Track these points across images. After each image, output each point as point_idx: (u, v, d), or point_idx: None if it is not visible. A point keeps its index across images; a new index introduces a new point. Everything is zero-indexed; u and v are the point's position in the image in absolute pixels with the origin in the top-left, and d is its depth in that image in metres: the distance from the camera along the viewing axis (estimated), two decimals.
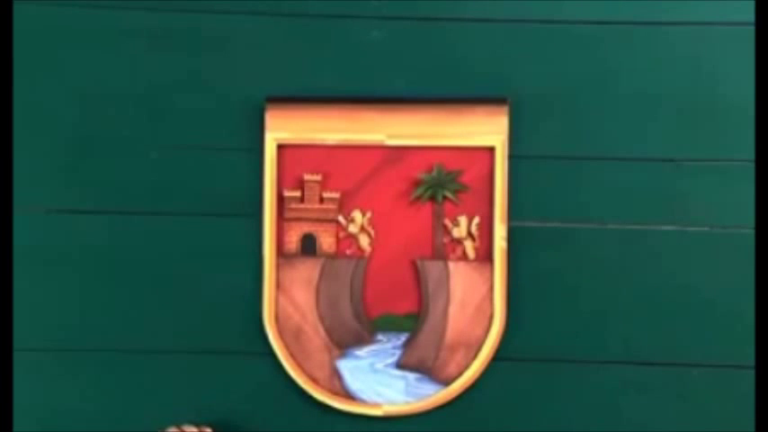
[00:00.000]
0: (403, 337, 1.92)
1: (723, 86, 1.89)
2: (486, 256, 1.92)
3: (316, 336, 1.93)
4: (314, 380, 1.92)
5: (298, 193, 1.92)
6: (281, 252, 1.92)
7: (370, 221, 1.92)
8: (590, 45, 1.90)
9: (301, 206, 1.91)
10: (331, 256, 1.93)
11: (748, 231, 1.87)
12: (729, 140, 1.90)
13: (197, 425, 1.62)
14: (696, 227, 1.91)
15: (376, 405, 1.90)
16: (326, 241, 1.93)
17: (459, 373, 1.92)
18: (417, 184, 1.92)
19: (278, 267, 1.93)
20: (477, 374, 1.92)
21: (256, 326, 1.92)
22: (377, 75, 1.91)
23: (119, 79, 1.91)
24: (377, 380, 1.91)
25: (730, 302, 1.90)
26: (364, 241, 1.93)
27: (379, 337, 1.92)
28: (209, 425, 1.83)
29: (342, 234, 1.93)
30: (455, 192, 1.91)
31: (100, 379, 1.93)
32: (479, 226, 1.92)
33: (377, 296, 1.91)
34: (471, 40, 1.87)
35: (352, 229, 1.93)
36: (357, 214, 1.92)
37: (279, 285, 1.93)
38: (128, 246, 1.93)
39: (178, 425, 1.59)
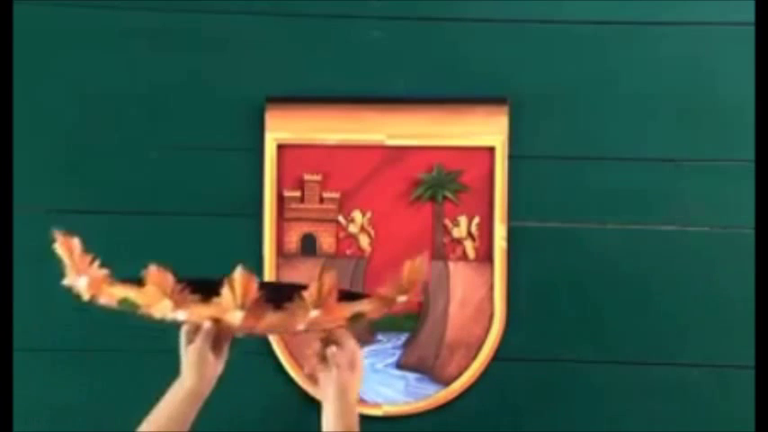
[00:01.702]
0: (403, 337, 1.92)
1: (723, 86, 1.89)
2: (486, 256, 1.92)
3: (316, 336, 1.93)
4: (314, 380, 1.92)
5: (298, 193, 1.92)
6: (281, 252, 1.92)
7: (370, 221, 1.92)
8: (590, 45, 1.90)
9: (301, 206, 1.91)
10: (331, 256, 1.93)
11: (748, 231, 1.87)
12: (729, 140, 1.90)
13: None
14: (696, 227, 1.91)
15: (376, 405, 1.90)
16: (326, 241, 1.93)
17: (459, 373, 1.92)
18: (417, 184, 1.92)
19: (278, 267, 1.92)
20: (477, 374, 1.92)
21: None
22: (377, 75, 1.91)
23: (119, 79, 1.91)
24: (377, 380, 1.91)
25: (730, 302, 1.90)
26: (364, 241, 1.93)
27: (379, 337, 1.92)
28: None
29: (342, 234, 1.93)
30: (455, 192, 1.91)
31: (100, 379, 1.93)
32: (479, 226, 1.92)
33: None
34: (471, 40, 1.87)
35: (352, 229, 1.93)
36: (357, 214, 1.92)
37: None
38: (128, 246, 1.93)
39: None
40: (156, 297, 1.53)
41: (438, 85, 1.90)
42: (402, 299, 1.53)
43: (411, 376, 1.92)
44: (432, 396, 1.92)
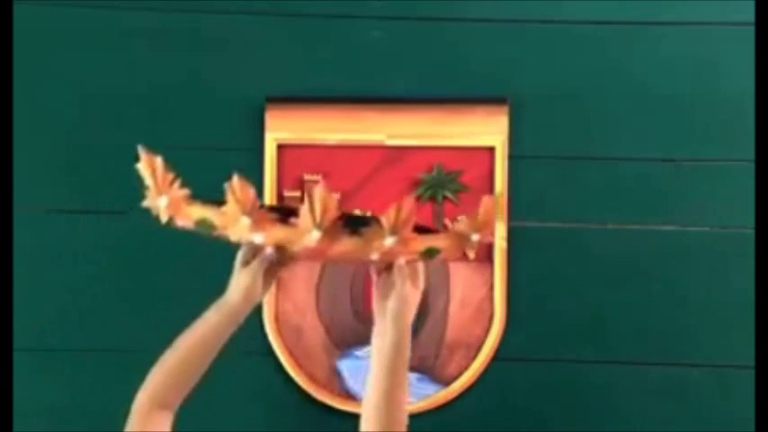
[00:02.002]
0: None
1: (723, 86, 1.89)
2: (486, 256, 1.92)
3: (316, 336, 1.93)
4: (314, 380, 1.92)
5: (298, 193, 1.92)
6: None
7: None
8: (590, 45, 1.89)
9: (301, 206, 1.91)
10: None
11: (748, 231, 1.87)
12: (729, 140, 1.90)
13: None
14: (696, 227, 1.91)
15: None
16: None
17: (460, 373, 1.92)
18: (417, 184, 1.92)
19: None
20: (477, 374, 1.92)
21: (256, 326, 1.92)
22: (377, 75, 1.91)
23: (119, 79, 1.91)
24: None
25: (730, 302, 1.90)
26: None
27: None
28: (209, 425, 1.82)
29: None
30: (455, 192, 1.91)
31: (100, 379, 1.93)
32: None
33: None
34: (471, 40, 1.86)
35: None
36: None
37: (279, 285, 1.92)
38: (128, 246, 1.93)
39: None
40: (235, 216, 1.53)
41: (438, 85, 1.90)
42: (476, 237, 1.51)
43: (411, 376, 1.92)
44: (432, 396, 1.92)
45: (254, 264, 1.54)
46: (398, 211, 1.46)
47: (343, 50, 1.89)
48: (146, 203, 1.56)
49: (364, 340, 1.90)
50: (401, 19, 1.88)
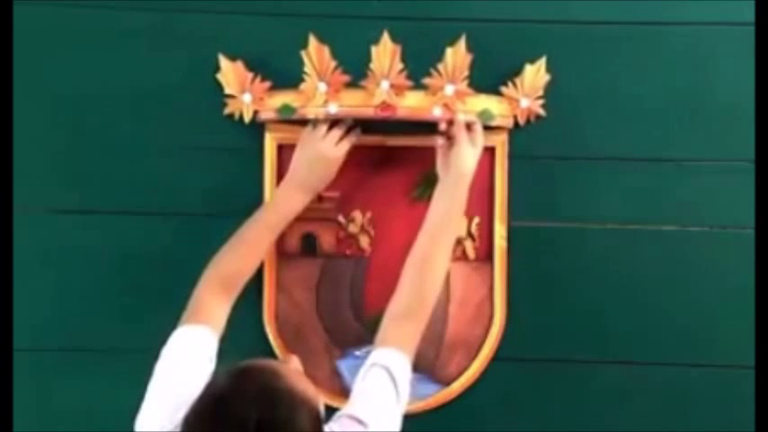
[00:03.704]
0: None
1: (723, 86, 1.89)
2: (485, 256, 1.92)
3: (316, 336, 1.93)
4: (314, 380, 1.92)
5: None
6: (281, 252, 1.92)
7: (371, 221, 1.92)
8: (590, 45, 1.89)
9: None
10: (331, 256, 1.93)
11: (748, 231, 1.87)
12: (729, 140, 1.90)
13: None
14: (696, 227, 1.91)
15: None
16: (326, 241, 1.93)
17: (460, 373, 1.92)
18: (417, 184, 1.91)
19: (278, 267, 1.92)
20: (477, 374, 1.92)
21: (256, 326, 1.91)
22: None
23: (119, 79, 1.91)
24: None
25: (730, 302, 1.90)
26: (364, 241, 1.93)
27: None
28: None
29: (342, 234, 1.93)
30: None
31: (100, 379, 1.93)
32: (479, 226, 1.92)
33: (377, 296, 1.90)
34: (471, 41, 1.86)
35: (352, 229, 1.93)
36: (357, 214, 1.92)
37: (279, 285, 1.92)
38: (128, 246, 1.93)
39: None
40: (313, 86, 1.73)
41: None
42: (526, 103, 1.76)
43: (411, 376, 1.92)
44: (432, 396, 1.92)
45: (316, 135, 1.75)
46: (453, 54, 1.71)
47: (343, 50, 1.88)
48: (227, 111, 1.80)
49: (364, 340, 1.91)
50: (401, 19, 1.88)
